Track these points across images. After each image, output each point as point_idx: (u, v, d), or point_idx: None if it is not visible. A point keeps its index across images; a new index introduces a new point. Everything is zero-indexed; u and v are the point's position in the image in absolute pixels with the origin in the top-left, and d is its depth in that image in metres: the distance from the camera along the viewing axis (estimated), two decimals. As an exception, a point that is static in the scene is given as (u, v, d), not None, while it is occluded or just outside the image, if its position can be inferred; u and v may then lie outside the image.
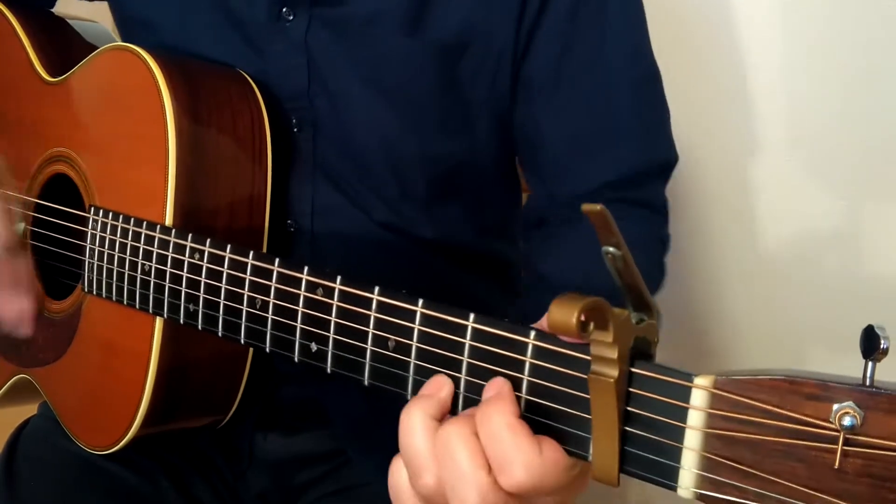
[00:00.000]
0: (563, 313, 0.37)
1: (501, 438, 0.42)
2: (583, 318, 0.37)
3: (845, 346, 1.05)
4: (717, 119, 1.18)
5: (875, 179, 1.08)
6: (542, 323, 0.47)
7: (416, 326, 0.49)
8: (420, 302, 0.49)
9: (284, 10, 0.73)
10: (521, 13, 0.72)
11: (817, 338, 1.13)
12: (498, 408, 0.43)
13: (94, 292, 0.71)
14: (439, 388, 0.48)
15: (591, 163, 0.75)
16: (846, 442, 0.36)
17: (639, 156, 0.76)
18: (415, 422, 0.45)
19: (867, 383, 0.37)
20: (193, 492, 0.81)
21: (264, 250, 0.72)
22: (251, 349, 0.73)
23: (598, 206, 0.37)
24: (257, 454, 0.81)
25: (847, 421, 0.36)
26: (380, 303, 0.51)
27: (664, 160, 0.79)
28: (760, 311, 1.19)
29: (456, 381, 0.48)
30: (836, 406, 0.36)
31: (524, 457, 0.42)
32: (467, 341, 0.47)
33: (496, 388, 0.45)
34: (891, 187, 1.07)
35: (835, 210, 1.10)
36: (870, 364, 0.37)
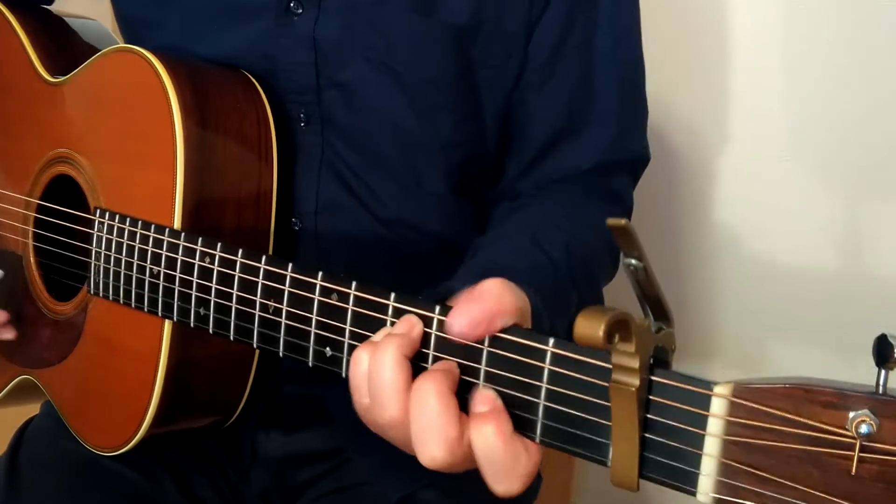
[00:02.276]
0: (589, 327, 0.38)
1: (500, 454, 0.46)
2: (609, 331, 0.38)
3: (846, 346, 1.08)
4: (717, 119, 1.19)
5: (875, 179, 1.09)
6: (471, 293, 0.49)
7: (434, 332, 0.50)
8: (437, 308, 0.50)
9: (292, 4, 0.72)
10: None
11: (818, 338, 1.14)
12: (495, 424, 0.46)
13: (101, 294, 0.71)
14: (412, 327, 0.50)
15: (569, 148, 0.77)
16: (862, 448, 0.37)
17: (613, 145, 0.78)
18: (387, 357, 0.48)
19: (881, 391, 0.38)
20: (196, 491, 0.81)
21: (270, 250, 0.72)
22: (257, 353, 0.73)
23: (623, 221, 0.38)
24: (259, 453, 0.82)
25: (864, 429, 0.37)
26: (396, 309, 0.51)
27: (636, 154, 0.82)
28: (760, 311, 1.20)
29: (473, 387, 0.48)
30: (852, 414, 0.38)
31: (522, 468, 0.46)
32: (485, 348, 0.48)
33: (490, 404, 0.47)
34: (891, 187, 1.08)
35: (835, 210, 1.11)
36: (883, 372, 0.38)
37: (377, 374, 0.48)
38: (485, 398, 0.47)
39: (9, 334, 0.80)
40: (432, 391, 0.46)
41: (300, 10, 0.72)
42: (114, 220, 0.69)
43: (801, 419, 0.39)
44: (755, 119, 1.16)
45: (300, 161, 0.75)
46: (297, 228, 0.76)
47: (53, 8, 0.89)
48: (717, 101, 1.19)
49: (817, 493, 0.38)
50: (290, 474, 0.83)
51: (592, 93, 0.76)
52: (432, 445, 0.46)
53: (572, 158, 0.77)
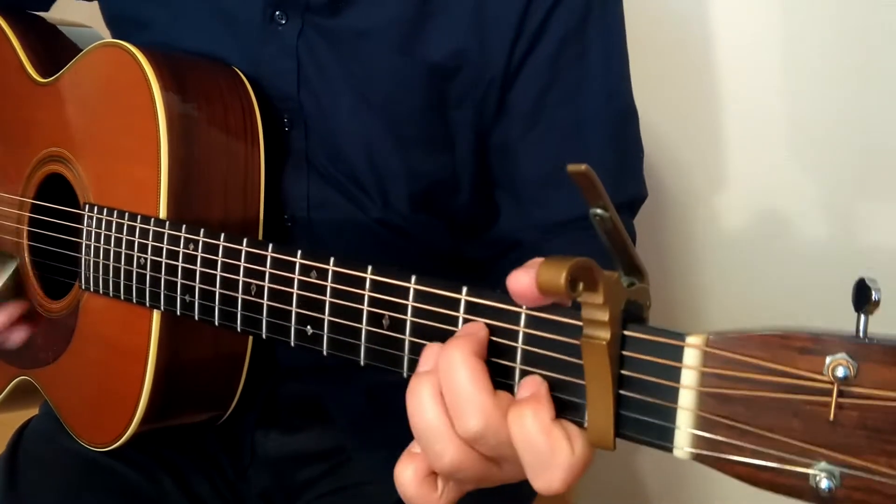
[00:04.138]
0: (551, 274, 0.37)
1: (538, 443, 0.42)
2: (571, 278, 0.37)
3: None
4: (717, 119, 1.18)
5: (874, 180, 1.08)
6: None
7: (410, 303, 0.49)
8: (413, 278, 0.49)
9: (277, 13, 0.73)
10: (514, 46, 0.73)
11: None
12: (533, 409, 0.42)
13: (92, 289, 0.71)
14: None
15: (561, 196, 0.76)
16: (840, 394, 0.36)
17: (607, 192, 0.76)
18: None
19: (860, 335, 0.36)
20: (195, 490, 0.80)
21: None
22: (249, 345, 0.73)
23: (583, 167, 0.37)
24: (258, 452, 0.81)
25: (840, 372, 0.36)
26: (373, 281, 0.51)
27: (631, 197, 0.81)
28: (759, 311, 1.19)
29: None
30: (828, 358, 0.36)
31: (562, 459, 0.42)
32: (461, 314, 0.47)
33: (533, 388, 0.44)
34: (890, 187, 1.07)
35: (834, 210, 1.10)
36: (862, 316, 0.37)
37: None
38: (529, 383, 0.44)
39: (18, 335, 0.79)
40: (457, 359, 0.43)
41: (284, 21, 0.73)
42: (102, 214, 0.70)
43: (777, 366, 0.37)
44: (754, 118, 1.15)
45: (289, 160, 0.75)
46: (289, 224, 0.76)
47: (49, 16, 0.90)
48: (716, 100, 1.18)
49: (796, 443, 0.37)
50: (290, 474, 0.82)
51: (581, 146, 0.76)
52: (468, 416, 0.43)
53: (564, 206, 0.76)
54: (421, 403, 0.44)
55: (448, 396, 0.44)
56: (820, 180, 1.12)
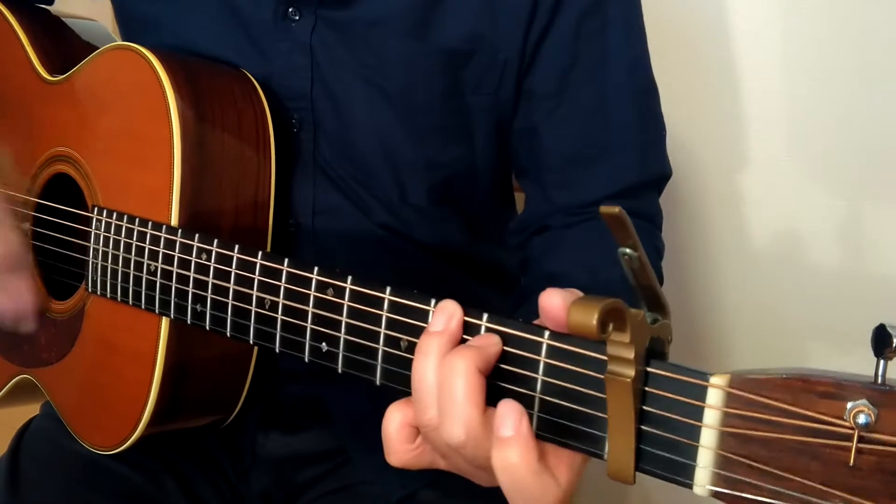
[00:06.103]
0: (583, 315, 0.37)
1: (528, 487, 0.44)
2: (602, 321, 0.37)
3: (847, 345, 1.08)
4: (717, 119, 1.19)
5: (875, 180, 1.09)
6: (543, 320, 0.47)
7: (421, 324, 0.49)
8: (432, 302, 0.49)
9: (290, 10, 0.73)
10: (529, 26, 0.73)
11: (818, 337, 1.14)
12: (521, 452, 0.43)
13: (99, 292, 0.71)
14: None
15: (589, 175, 0.76)
16: (860, 439, 0.37)
17: (635, 170, 0.77)
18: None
19: (879, 381, 0.37)
20: (196, 491, 0.81)
21: (268, 250, 0.72)
22: (255, 351, 0.73)
23: (616, 209, 0.38)
24: (259, 453, 0.82)
25: (862, 419, 0.37)
26: (391, 302, 0.51)
27: (659, 174, 0.81)
28: (760, 312, 1.20)
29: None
30: (849, 404, 0.37)
31: (552, 499, 0.44)
32: (481, 341, 0.47)
33: (514, 426, 0.44)
34: (891, 187, 1.08)
35: (835, 210, 1.11)
36: (881, 362, 0.38)
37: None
38: (509, 414, 0.44)
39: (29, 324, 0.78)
40: (460, 369, 0.44)
41: (297, 17, 0.73)
42: (111, 218, 0.69)
43: (799, 410, 0.38)
44: (755, 119, 1.16)
45: (295, 164, 0.75)
46: (293, 230, 0.76)
47: (54, 8, 0.89)
48: (716, 101, 1.19)
49: (815, 485, 0.38)
50: (291, 474, 0.82)
51: (608, 122, 0.76)
52: (454, 425, 0.44)
53: (595, 186, 0.76)
54: (425, 366, 0.46)
55: (441, 399, 0.45)
56: (822, 181, 1.13)
